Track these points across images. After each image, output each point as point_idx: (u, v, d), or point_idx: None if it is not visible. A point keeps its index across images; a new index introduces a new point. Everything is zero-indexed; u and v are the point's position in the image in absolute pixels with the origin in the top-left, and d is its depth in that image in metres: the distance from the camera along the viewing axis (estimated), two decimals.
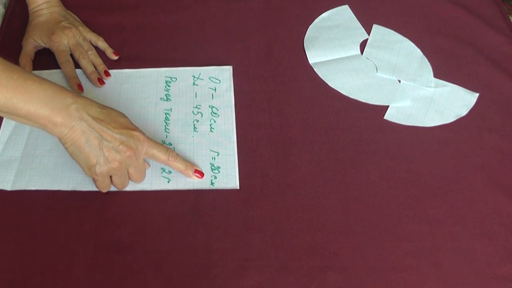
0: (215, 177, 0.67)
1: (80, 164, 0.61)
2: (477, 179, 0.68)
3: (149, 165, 0.67)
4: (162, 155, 0.63)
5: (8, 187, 0.65)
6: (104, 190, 0.64)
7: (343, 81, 0.78)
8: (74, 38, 0.77)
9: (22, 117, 0.56)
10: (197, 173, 0.66)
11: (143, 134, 0.62)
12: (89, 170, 0.60)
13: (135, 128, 0.62)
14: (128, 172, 0.63)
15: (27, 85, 0.55)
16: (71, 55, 0.77)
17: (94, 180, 0.63)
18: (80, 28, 0.79)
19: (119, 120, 0.61)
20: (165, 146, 0.65)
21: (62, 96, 0.57)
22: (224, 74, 0.78)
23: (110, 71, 0.77)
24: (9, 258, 0.60)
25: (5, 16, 0.85)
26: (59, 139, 0.59)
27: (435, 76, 0.79)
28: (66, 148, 0.60)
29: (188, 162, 0.66)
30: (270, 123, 0.73)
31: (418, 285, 0.59)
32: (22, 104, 0.54)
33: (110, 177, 0.63)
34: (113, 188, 0.65)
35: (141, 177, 0.65)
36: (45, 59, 0.77)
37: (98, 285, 0.58)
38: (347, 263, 0.60)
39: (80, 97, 0.59)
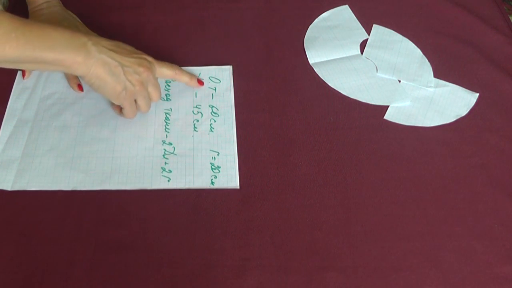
0: (215, 177, 0.67)
1: (107, 95, 0.66)
2: (477, 179, 0.68)
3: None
4: (169, 71, 0.71)
5: (8, 187, 0.65)
6: (132, 116, 0.69)
7: (343, 81, 0.78)
8: None
9: (48, 64, 0.60)
10: (199, 82, 0.75)
11: (150, 56, 0.69)
12: (117, 98, 0.66)
13: (142, 52, 0.68)
14: (148, 92, 0.68)
15: (47, 33, 0.59)
16: None
17: (123, 109, 0.68)
18: (80, 28, 0.79)
19: (127, 47, 0.67)
20: (170, 63, 0.71)
21: (77, 36, 0.62)
22: (224, 74, 0.78)
23: None
24: (9, 258, 0.60)
25: None
26: (84, 78, 0.64)
27: (435, 76, 0.79)
28: (91, 85, 0.64)
29: (192, 74, 0.75)
30: (270, 123, 0.73)
31: (418, 285, 0.59)
32: (48, 52, 0.59)
33: (135, 102, 0.68)
34: (113, 188, 0.65)
35: (159, 93, 0.70)
36: None
37: (98, 285, 0.58)
38: (347, 263, 0.60)
39: (91, 35, 0.67)
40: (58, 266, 0.59)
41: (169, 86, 0.76)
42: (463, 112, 0.75)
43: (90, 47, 0.62)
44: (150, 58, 0.68)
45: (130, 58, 0.66)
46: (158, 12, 0.86)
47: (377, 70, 0.79)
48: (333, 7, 0.88)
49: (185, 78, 0.73)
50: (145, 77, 0.66)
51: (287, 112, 0.74)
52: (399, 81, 0.78)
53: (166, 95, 0.75)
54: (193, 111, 0.74)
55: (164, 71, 0.70)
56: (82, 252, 0.60)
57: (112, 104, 0.71)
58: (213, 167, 0.68)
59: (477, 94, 0.77)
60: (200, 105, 0.74)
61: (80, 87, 0.74)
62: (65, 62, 0.61)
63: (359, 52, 0.82)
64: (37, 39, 0.58)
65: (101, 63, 0.63)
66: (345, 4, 0.88)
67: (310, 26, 0.85)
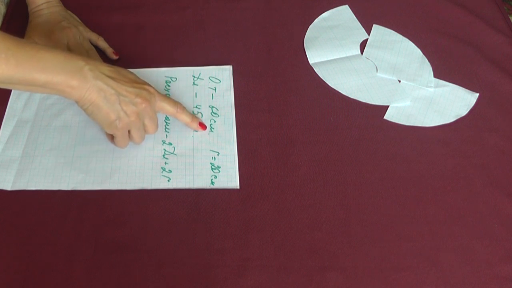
0: (215, 177, 0.67)
1: (99, 123, 0.63)
2: (477, 179, 0.68)
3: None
4: (171, 108, 0.67)
5: (8, 187, 0.65)
6: (123, 146, 0.67)
7: (343, 81, 0.78)
8: (74, 38, 0.77)
9: (40, 87, 0.58)
10: (201, 125, 0.70)
11: (153, 87, 0.65)
12: (109, 126, 0.63)
13: (145, 82, 0.65)
14: (144, 124, 0.65)
15: (40, 55, 0.56)
16: None
17: (114, 137, 0.65)
18: (80, 28, 0.79)
19: (128, 75, 0.64)
20: (173, 99, 0.68)
21: (74, 60, 0.59)
22: (224, 74, 0.78)
23: None
24: (9, 258, 0.60)
25: (5, 16, 0.85)
26: (77, 103, 0.61)
27: (435, 76, 0.79)
28: (85, 110, 0.61)
29: (193, 115, 0.70)
30: (270, 123, 0.73)
31: (418, 285, 0.59)
32: (39, 74, 0.56)
33: (128, 132, 0.65)
34: (113, 188, 0.65)
35: (155, 127, 0.67)
36: None
37: (98, 285, 0.58)
38: (347, 263, 0.60)
39: (90, 59, 0.61)
40: (58, 266, 0.59)
41: (169, 86, 0.76)
42: (463, 112, 0.75)
43: (87, 72, 0.59)
44: (152, 90, 0.64)
45: (129, 87, 0.62)
46: (158, 12, 0.86)
47: (377, 70, 0.79)
48: (333, 7, 0.88)
49: (186, 118, 0.69)
50: (142, 108, 0.63)
51: (287, 112, 0.74)
52: (399, 81, 0.78)
53: (166, 95, 0.75)
54: (193, 111, 0.74)
55: (165, 107, 0.66)
56: (82, 252, 0.60)
57: (105, 131, 0.67)
58: (213, 167, 0.68)
59: (477, 94, 0.77)
60: (200, 105, 0.74)
61: None
62: (59, 85, 0.58)
63: (359, 52, 0.82)
64: (29, 61, 0.55)
65: (96, 89, 0.59)
66: (345, 4, 0.88)
67: (310, 26, 0.85)
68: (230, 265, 0.60)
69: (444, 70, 0.80)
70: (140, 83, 0.64)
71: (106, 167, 0.67)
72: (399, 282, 0.59)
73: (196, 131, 0.71)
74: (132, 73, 0.65)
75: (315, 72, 0.79)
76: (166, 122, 0.72)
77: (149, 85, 0.65)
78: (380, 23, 0.86)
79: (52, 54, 0.57)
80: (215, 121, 0.73)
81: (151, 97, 0.64)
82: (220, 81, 0.77)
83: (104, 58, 0.78)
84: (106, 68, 0.62)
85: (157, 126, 0.67)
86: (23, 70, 0.55)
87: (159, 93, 0.66)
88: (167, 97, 0.67)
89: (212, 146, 0.70)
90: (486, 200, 0.66)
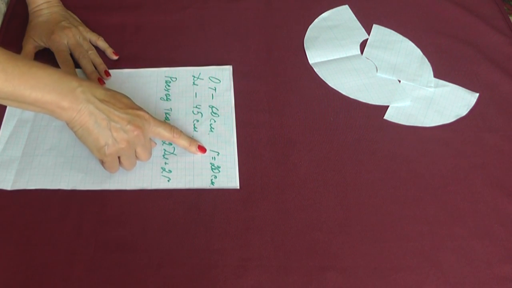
0: (215, 177, 0.67)
1: (88, 146, 0.61)
2: (477, 179, 0.68)
3: (155, 144, 0.68)
4: (167, 133, 0.65)
5: (8, 186, 0.65)
6: (113, 171, 0.65)
7: (343, 81, 0.78)
8: (74, 38, 0.77)
9: (29, 104, 0.56)
10: (200, 149, 0.68)
11: (148, 113, 0.64)
12: (98, 152, 0.61)
13: (140, 108, 0.63)
14: (135, 152, 0.64)
15: (32, 72, 0.55)
16: (71, 55, 0.77)
17: (103, 162, 0.64)
18: (80, 28, 0.79)
19: (123, 100, 0.62)
20: (169, 124, 0.66)
21: (67, 80, 0.57)
22: (224, 74, 0.78)
23: (110, 71, 0.77)
24: (9, 258, 0.60)
25: (5, 16, 0.85)
26: (67, 124, 0.59)
27: (435, 76, 0.79)
28: (74, 132, 0.60)
29: (191, 139, 0.68)
30: (270, 123, 0.73)
31: (418, 285, 0.59)
32: (29, 91, 0.55)
33: (119, 158, 0.63)
34: (113, 187, 0.65)
35: (148, 155, 0.66)
36: (45, 59, 0.77)
37: (98, 285, 0.58)
38: (347, 263, 0.60)
39: (85, 80, 0.60)
40: (58, 266, 0.59)
41: (169, 86, 0.76)
42: (463, 112, 0.75)
43: (79, 94, 0.57)
44: (146, 116, 0.63)
45: (122, 113, 0.60)
46: (158, 12, 0.86)
47: (377, 70, 0.79)
48: (333, 7, 0.88)
49: (183, 143, 0.67)
50: (133, 136, 0.61)
51: (287, 112, 0.74)
52: (399, 81, 0.78)
53: (166, 95, 0.75)
54: (193, 111, 0.74)
55: (161, 132, 0.64)
56: (82, 252, 0.60)
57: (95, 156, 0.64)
58: (213, 167, 0.68)
59: (477, 94, 0.77)
60: (200, 105, 0.74)
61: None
62: (48, 105, 0.56)
63: (359, 52, 0.82)
64: (19, 77, 0.54)
65: (88, 113, 0.58)
66: (345, 4, 0.88)
67: (310, 26, 0.85)
68: (230, 265, 0.60)
69: (444, 70, 0.80)
70: (135, 109, 0.62)
71: None
72: (399, 282, 0.59)
73: (194, 149, 0.68)
74: (128, 98, 0.63)
75: (315, 72, 0.79)
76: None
77: (144, 111, 0.63)
78: (380, 23, 0.86)
79: (45, 72, 0.56)
80: (215, 121, 0.73)
81: (145, 123, 0.62)
82: (220, 81, 0.77)
83: (104, 58, 0.78)
84: (100, 91, 0.60)
85: (150, 154, 0.66)
86: (13, 86, 0.53)
87: (154, 118, 0.64)
88: (163, 122, 0.65)
89: (212, 146, 0.70)
90: (486, 200, 0.66)
